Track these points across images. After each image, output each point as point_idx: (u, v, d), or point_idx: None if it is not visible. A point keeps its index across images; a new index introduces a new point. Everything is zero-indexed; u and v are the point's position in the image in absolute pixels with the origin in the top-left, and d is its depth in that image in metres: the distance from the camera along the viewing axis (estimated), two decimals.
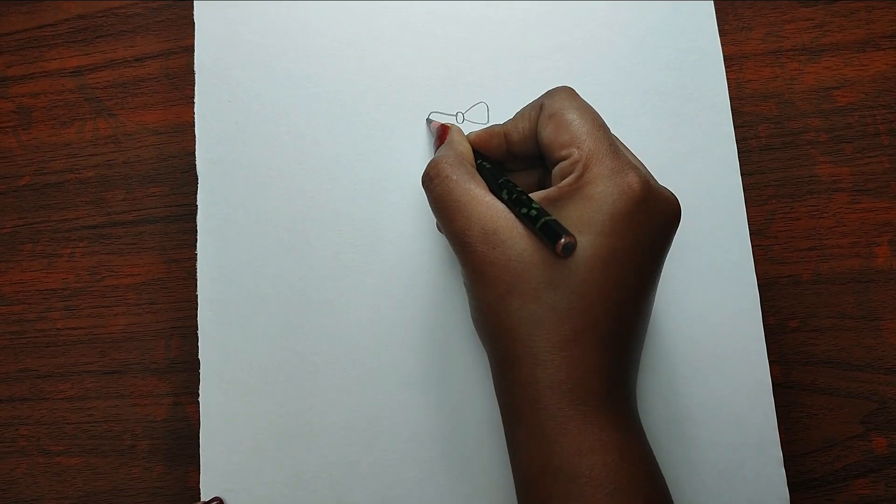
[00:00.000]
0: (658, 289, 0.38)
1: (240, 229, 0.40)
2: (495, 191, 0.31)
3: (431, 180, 0.31)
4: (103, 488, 0.40)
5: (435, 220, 0.33)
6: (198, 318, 0.39)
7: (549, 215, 0.28)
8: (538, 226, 0.28)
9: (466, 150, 0.33)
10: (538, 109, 0.31)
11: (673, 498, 0.35)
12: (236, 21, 0.42)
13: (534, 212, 0.28)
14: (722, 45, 0.39)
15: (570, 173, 0.29)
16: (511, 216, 0.29)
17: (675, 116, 0.39)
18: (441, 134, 0.35)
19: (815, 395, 0.37)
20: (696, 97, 0.39)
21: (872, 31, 0.40)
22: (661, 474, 0.29)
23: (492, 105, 0.40)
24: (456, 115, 0.40)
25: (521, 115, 0.32)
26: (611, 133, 0.30)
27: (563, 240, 0.26)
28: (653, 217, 0.28)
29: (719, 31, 0.39)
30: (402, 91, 0.40)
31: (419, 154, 0.40)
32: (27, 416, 0.41)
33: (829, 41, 0.40)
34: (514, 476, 0.30)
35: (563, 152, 0.29)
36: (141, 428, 0.40)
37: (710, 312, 0.37)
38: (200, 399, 0.38)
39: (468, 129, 0.39)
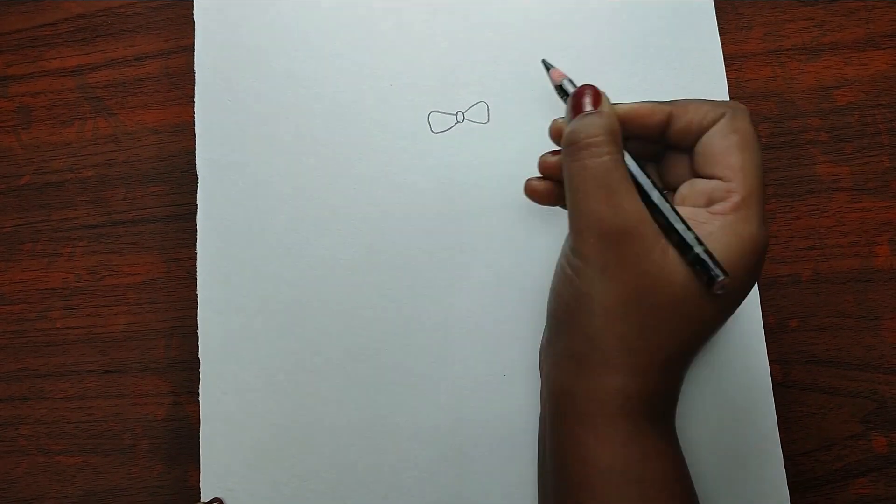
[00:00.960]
0: None
1: (240, 229, 0.40)
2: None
3: (585, 148, 0.28)
4: (103, 487, 0.40)
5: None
6: (198, 318, 0.39)
7: (703, 244, 0.27)
8: (692, 256, 0.27)
9: (618, 126, 0.30)
10: (719, 114, 0.29)
11: None
12: (236, 21, 0.42)
13: (692, 240, 0.27)
14: (722, 44, 0.39)
15: (723, 199, 0.28)
16: (654, 226, 0.28)
17: None
18: (577, 100, 0.30)
19: (815, 395, 0.37)
20: (697, 96, 0.38)
21: (872, 31, 0.40)
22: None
23: (492, 104, 0.40)
24: (456, 115, 0.40)
25: (695, 108, 0.30)
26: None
27: (720, 279, 0.26)
28: (761, 266, 0.29)
29: (719, 30, 0.39)
30: (402, 90, 0.40)
31: (419, 153, 0.40)
32: (27, 416, 0.41)
33: (829, 40, 0.40)
34: (555, 474, 0.30)
35: (727, 173, 0.28)
36: (141, 427, 0.40)
37: None
38: (200, 399, 0.38)
39: (469, 128, 0.40)
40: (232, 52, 0.42)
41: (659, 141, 0.31)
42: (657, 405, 0.28)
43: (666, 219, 0.28)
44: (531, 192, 0.33)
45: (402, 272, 0.39)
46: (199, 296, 0.39)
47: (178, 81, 0.43)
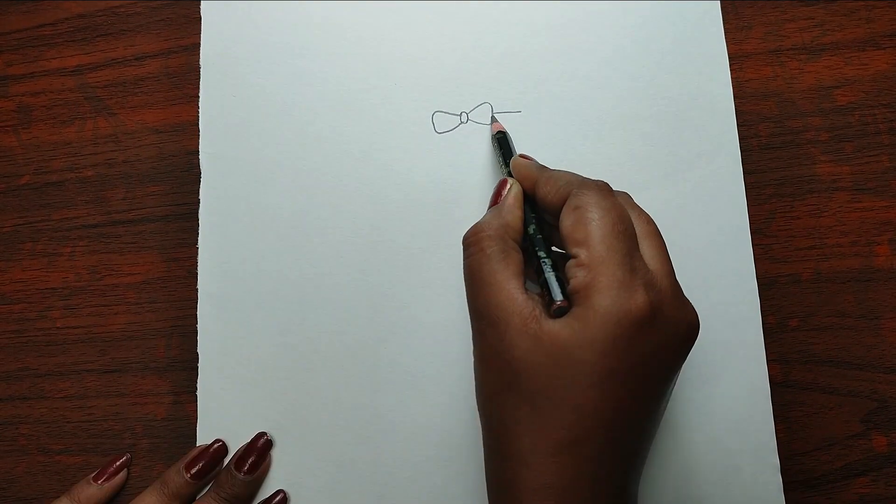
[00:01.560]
0: None
1: (241, 225, 0.40)
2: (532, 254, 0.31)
3: (467, 248, 0.31)
4: None
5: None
6: (197, 313, 0.39)
7: (559, 271, 0.29)
8: (541, 278, 0.29)
9: (514, 220, 0.32)
10: (567, 191, 0.30)
11: (665, 498, 0.35)
12: (242, 18, 0.42)
13: (545, 263, 0.29)
14: None
15: (577, 275, 0.28)
16: (527, 312, 0.28)
17: (680, 120, 0.39)
18: (498, 191, 0.33)
19: (815, 394, 0.37)
20: (701, 101, 0.39)
21: (873, 30, 0.40)
22: None
23: (496, 105, 0.40)
24: (460, 115, 0.40)
25: (553, 182, 0.31)
26: (634, 243, 0.29)
27: (556, 303, 0.28)
28: (662, 338, 0.27)
29: None
30: (406, 90, 0.40)
31: (422, 153, 0.40)
32: (27, 415, 0.41)
33: (830, 40, 0.40)
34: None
35: (574, 250, 0.28)
36: (141, 427, 0.40)
37: (709, 313, 0.36)
38: (199, 393, 0.38)
39: (472, 128, 0.40)
40: (237, 49, 0.42)
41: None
42: (572, 497, 0.27)
43: (535, 250, 0.30)
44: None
45: (402, 271, 0.39)
46: (199, 291, 0.39)
47: (178, 81, 0.43)
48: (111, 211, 0.42)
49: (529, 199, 0.33)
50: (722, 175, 0.38)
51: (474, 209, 0.39)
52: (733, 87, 0.39)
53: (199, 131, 0.41)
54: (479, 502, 0.36)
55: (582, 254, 0.28)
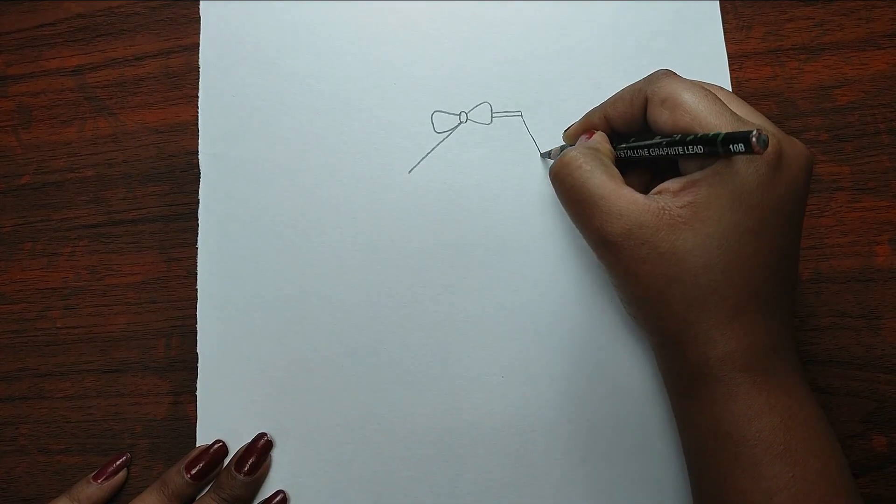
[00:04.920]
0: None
1: (241, 225, 0.40)
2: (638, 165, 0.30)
3: (563, 173, 0.30)
4: None
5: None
6: (197, 313, 0.39)
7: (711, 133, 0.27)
8: (721, 141, 0.26)
9: (604, 146, 0.32)
10: (641, 96, 0.31)
11: (666, 500, 0.35)
12: (241, 18, 0.42)
13: (708, 135, 0.27)
14: None
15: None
16: (652, 207, 0.28)
17: None
18: (583, 136, 0.34)
19: (815, 394, 0.37)
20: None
21: (872, 30, 0.40)
22: (833, 435, 0.29)
23: (495, 105, 0.40)
24: (459, 115, 0.40)
25: (619, 99, 0.32)
26: (722, 99, 0.29)
27: (754, 133, 0.25)
28: (790, 170, 0.28)
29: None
30: (405, 90, 0.40)
31: (422, 153, 0.40)
32: (27, 415, 0.41)
33: (829, 40, 0.40)
34: (684, 450, 0.31)
35: (692, 130, 0.29)
36: (141, 427, 0.40)
37: None
38: (198, 394, 0.38)
39: (471, 128, 0.40)
40: (236, 50, 0.42)
41: (622, 136, 0.33)
42: (751, 359, 0.28)
43: (677, 147, 0.28)
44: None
45: (402, 271, 0.39)
46: (199, 291, 0.39)
47: (178, 81, 0.43)
48: (111, 211, 0.42)
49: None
50: None
51: (474, 209, 0.39)
52: (733, 87, 0.39)
53: (198, 131, 0.41)
54: (479, 502, 0.36)
55: (698, 133, 0.28)
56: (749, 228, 0.28)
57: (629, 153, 0.32)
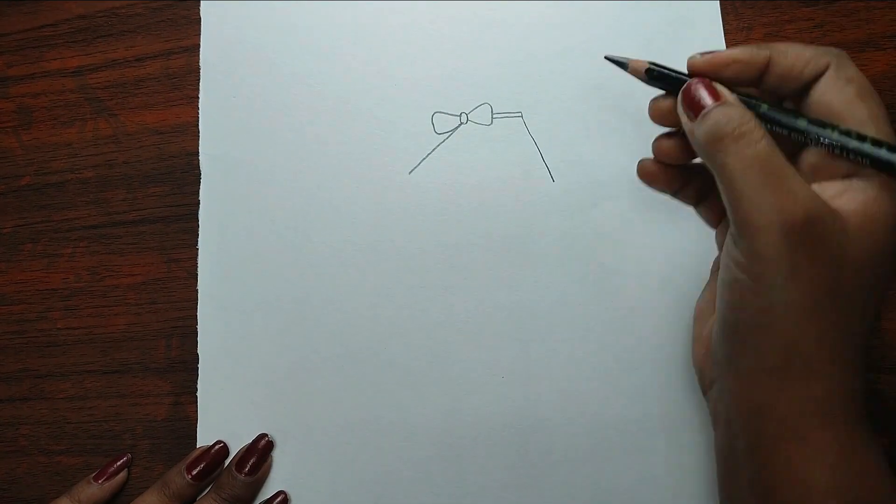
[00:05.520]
0: (655, 289, 0.38)
1: (241, 226, 0.40)
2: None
3: (739, 139, 0.26)
4: None
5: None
6: (198, 314, 0.39)
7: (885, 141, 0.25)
8: (884, 155, 0.25)
9: (749, 115, 0.27)
10: (824, 63, 0.27)
11: (666, 500, 0.35)
12: (242, 19, 0.42)
13: (873, 143, 0.25)
14: None
15: None
16: (828, 205, 0.25)
17: None
18: (693, 95, 0.28)
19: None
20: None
21: (873, 32, 0.40)
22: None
23: (495, 106, 0.40)
24: (460, 116, 0.40)
25: (796, 54, 0.27)
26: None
27: None
28: None
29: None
30: (405, 90, 0.40)
31: (422, 154, 0.40)
32: (28, 416, 0.41)
33: (830, 41, 0.40)
34: (756, 498, 0.27)
35: (860, 128, 0.26)
36: (141, 427, 0.40)
37: None
38: (199, 394, 0.38)
39: (472, 130, 0.40)
40: (237, 51, 0.42)
41: (756, 87, 0.29)
42: (860, 402, 0.26)
43: (835, 145, 0.26)
44: (645, 174, 0.32)
45: (402, 272, 0.39)
46: (199, 292, 0.39)
47: (178, 82, 0.43)
48: (111, 212, 0.42)
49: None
50: None
51: (474, 209, 0.39)
52: None
53: (199, 132, 0.41)
54: (480, 502, 0.36)
55: (871, 132, 0.26)
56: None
57: (773, 126, 0.28)
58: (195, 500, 0.37)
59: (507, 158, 0.39)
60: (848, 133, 0.26)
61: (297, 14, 0.42)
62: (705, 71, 0.29)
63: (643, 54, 0.39)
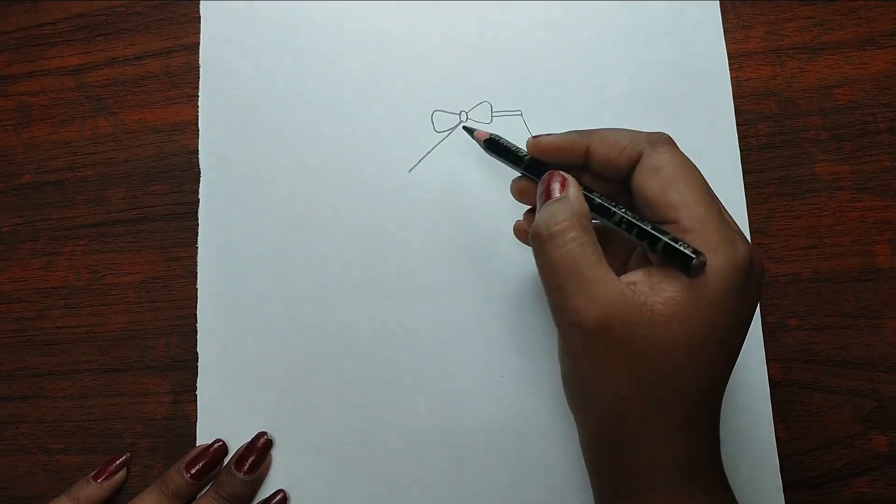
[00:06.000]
0: None
1: (241, 225, 0.40)
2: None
3: (547, 241, 0.27)
4: None
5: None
6: (197, 313, 0.39)
7: (668, 234, 0.27)
8: (661, 246, 0.27)
9: (584, 208, 0.29)
10: (636, 150, 0.29)
11: None
12: (242, 18, 0.42)
13: (656, 233, 0.27)
14: None
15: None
16: (635, 301, 0.26)
17: (680, 119, 0.39)
18: (548, 183, 0.29)
19: (816, 394, 0.37)
20: (701, 101, 0.39)
21: (873, 30, 0.40)
22: None
23: (496, 105, 0.40)
24: (460, 114, 0.40)
25: (613, 142, 0.30)
26: (712, 191, 0.28)
27: (693, 261, 0.25)
28: (755, 280, 0.27)
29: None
30: (405, 89, 0.40)
31: (421, 152, 0.40)
32: (27, 415, 0.41)
33: (830, 39, 0.40)
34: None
35: (672, 214, 0.27)
36: (141, 426, 0.40)
37: None
38: (198, 393, 0.38)
39: (471, 127, 0.40)
40: (237, 50, 0.42)
41: (585, 171, 0.31)
42: (697, 467, 0.27)
43: (630, 229, 0.28)
44: (518, 193, 0.34)
45: (402, 272, 0.39)
46: (198, 291, 0.39)
47: (178, 80, 0.43)
48: (111, 210, 0.42)
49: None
50: (722, 174, 0.38)
51: (474, 209, 0.39)
52: (733, 87, 0.39)
53: (198, 131, 0.41)
54: (479, 502, 0.36)
55: (683, 216, 0.27)
56: (721, 337, 0.26)
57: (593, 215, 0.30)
58: (194, 499, 0.37)
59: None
60: (640, 232, 0.27)
61: (297, 12, 0.42)
62: (534, 154, 0.31)
63: (644, 53, 0.39)
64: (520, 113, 0.39)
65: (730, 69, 0.39)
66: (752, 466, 0.35)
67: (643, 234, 0.27)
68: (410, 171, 0.39)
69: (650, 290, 0.27)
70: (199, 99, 0.41)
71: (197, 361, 0.39)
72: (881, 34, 0.40)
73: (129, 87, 0.44)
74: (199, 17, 0.42)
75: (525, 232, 0.34)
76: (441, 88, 0.40)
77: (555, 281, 0.27)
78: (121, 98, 0.43)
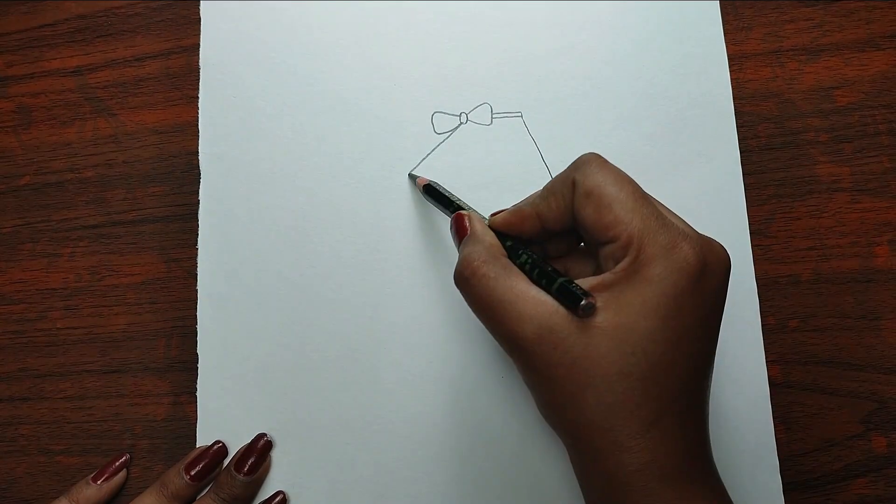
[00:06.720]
0: None
1: (241, 225, 0.40)
2: (529, 272, 0.29)
3: (467, 281, 0.29)
4: None
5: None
6: (197, 314, 0.39)
7: (563, 276, 0.27)
8: (554, 287, 0.27)
9: (493, 240, 0.31)
10: (570, 186, 0.29)
11: None
12: (242, 19, 0.42)
13: (551, 276, 0.27)
14: None
15: (623, 256, 0.27)
16: (562, 309, 0.27)
17: (680, 120, 0.39)
18: (459, 227, 0.32)
19: (815, 395, 0.37)
20: (701, 101, 0.39)
21: (872, 31, 0.40)
22: None
23: (495, 106, 0.40)
24: (460, 115, 0.40)
25: (552, 193, 0.30)
26: (651, 199, 0.28)
27: (582, 302, 0.26)
28: (711, 280, 0.27)
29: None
30: (405, 90, 0.40)
31: (422, 153, 0.40)
32: (27, 416, 0.41)
33: (829, 41, 0.40)
34: None
35: (610, 234, 0.27)
36: (141, 427, 0.40)
37: None
38: (198, 394, 0.38)
39: (471, 129, 0.40)
40: (237, 50, 0.42)
41: (556, 234, 0.31)
42: (670, 468, 0.27)
43: (532, 271, 0.28)
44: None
45: (402, 272, 0.39)
46: (199, 291, 0.39)
47: (178, 82, 0.43)
48: (111, 212, 0.42)
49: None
50: (721, 175, 0.38)
51: (474, 209, 0.39)
52: (733, 88, 0.39)
53: (198, 132, 0.41)
54: (479, 502, 0.36)
55: (621, 235, 0.27)
56: (667, 338, 0.26)
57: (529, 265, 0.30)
58: (194, 500, 0.37)
59: (507, 158, 0.39)
60: (539, 273, 0.28)
61: (297, 13, 0.42)
62: (494, 229, 0.32)
63: (644, 53, 0.39)
64: (520, 115, 0.40)
65: (730, 70, 0.39)
66: (752, 467, 0.35)
67: (542, 274, 0.28)
68: (410, 172, 0.39)
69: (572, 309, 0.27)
70: (200, 100, 0.41)
71: (197, 362, 0.39)
72: (881, 36, 0.40)
73: (129, 88, 0.44)
74: (199, 18, 0.42)
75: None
76: (441, 89, 0.40)
77: (486, 314, 0.28)
78: (121, 99, 0.43)
